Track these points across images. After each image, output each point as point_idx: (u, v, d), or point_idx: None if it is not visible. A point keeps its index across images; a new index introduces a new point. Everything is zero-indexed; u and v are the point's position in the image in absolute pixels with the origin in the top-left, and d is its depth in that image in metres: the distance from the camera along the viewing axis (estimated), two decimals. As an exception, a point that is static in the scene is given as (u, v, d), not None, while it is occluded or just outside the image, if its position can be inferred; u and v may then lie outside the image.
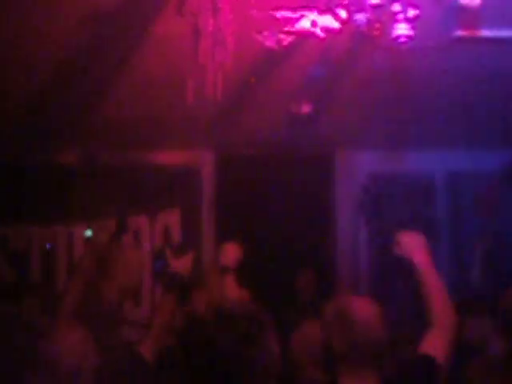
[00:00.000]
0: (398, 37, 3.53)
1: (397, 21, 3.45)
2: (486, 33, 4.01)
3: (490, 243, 6.46)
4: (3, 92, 5.01)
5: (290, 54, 4.16)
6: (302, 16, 3.11)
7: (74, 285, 3.60)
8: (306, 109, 5.30)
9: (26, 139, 5.99)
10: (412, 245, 3.09)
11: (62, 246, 6.57)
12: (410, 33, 3.52)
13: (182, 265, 3.76)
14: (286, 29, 3.11)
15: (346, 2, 3.15)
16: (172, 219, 6.68)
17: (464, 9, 3.74)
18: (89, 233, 3.85)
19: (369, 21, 3.33)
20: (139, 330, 6.14)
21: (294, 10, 3.09)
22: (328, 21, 3.02)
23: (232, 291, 3.98)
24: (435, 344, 2.92)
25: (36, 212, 6.45)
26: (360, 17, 3.23)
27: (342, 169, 6.88)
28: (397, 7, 3.38)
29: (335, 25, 3.03)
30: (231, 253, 3.97)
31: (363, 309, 2.88)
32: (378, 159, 6.76)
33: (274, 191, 6.55)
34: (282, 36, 2.98)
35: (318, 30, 3.19)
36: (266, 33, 3.00)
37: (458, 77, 4.91)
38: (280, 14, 3.08)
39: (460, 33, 4.04)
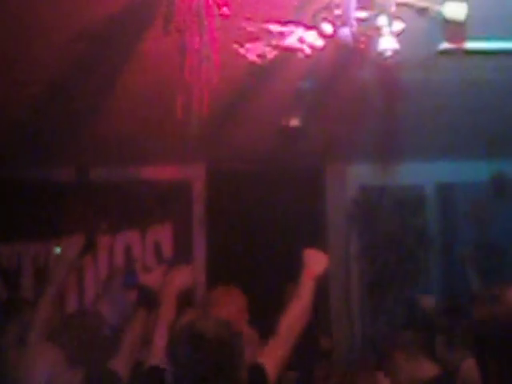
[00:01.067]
0: (384, 50, 3.55)
1: (382, 34, 3.48)
2: (471, 45, 4.04)
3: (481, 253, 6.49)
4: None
5: (278, 68, 4.19)
6: (291, 32, 3.13)
7: (45, 301, 3.59)
8: (295, 122, 5.32)
9: (18, 155, 5.99)
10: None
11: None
12: (396, 46, 3.55)
13: (152, 279, 3.79)
14: (272, 43, 3.13)
15: (330, 17, 3.17)
16: (163, 234, 6.68)
17: (449, 21, 3.77)
18: (58, 250, 3.84)
19: (354, 35, 3.36)
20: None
21: (283, 24, 3.11)
22: (313, 37, 3.04)
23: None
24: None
25: (27, 228, 6.45)
26: (345, 31, 3.25)
27: (332, 182, 6.90)
28: (382, 21, 3.40)
29: (319, 42, 3.05)
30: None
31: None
32: (369, 172, 6.78)
33: (264, 205, 6.56)
34: (267, 49, 2.99)
35: (304, 46, 3.21)
36: (248, 45, 3.01)
37: (444, 89, 4.94)
38: (269, 26, 3.10)
39: (446, 45, 4.07)
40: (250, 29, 2.95)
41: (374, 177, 6.78)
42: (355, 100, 5.04)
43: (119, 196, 6.52)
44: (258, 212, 6.56)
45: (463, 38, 3.88)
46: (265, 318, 4.65)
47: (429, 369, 3.39)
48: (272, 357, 3.22)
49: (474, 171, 6.81)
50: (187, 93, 3.25)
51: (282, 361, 3.27)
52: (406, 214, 6.94)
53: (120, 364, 3.41)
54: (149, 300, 3.58)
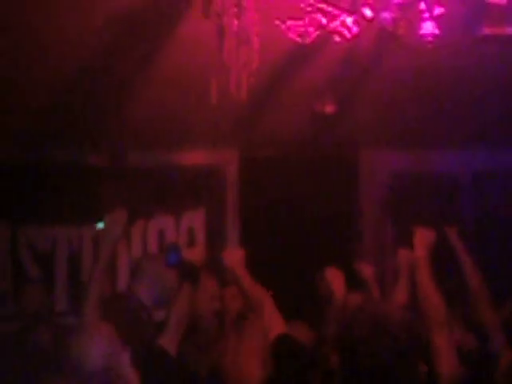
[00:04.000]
0: (424, 35, 3.51)
1: (422, 19, 3.44)
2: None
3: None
4: (30, 91, 5.04)
5: (315, 53, 4.16)
6: (336, 14, 3.10)
7: (97, 278, 3.59)
8: (329, 109, 5.29)
9: (54, 139, 6.03)
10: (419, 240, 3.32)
11: (88, 247, 6.59)
12: (436, 31, 3.51)
13: (194, 254, 3.85)
14: (322, 22, 3.09)
15: (371, 0, 3.14)
16: (197, 219, 6.68)
17: (490, 6, 3.71)
18: (101, 225, 3.83)
19: (394, 19, 3.32)
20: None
21: (331, 5, 3.08)
22: (351, 23, 3.01)
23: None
24: None
25: (62, 213, 6.49)
26: (385, 15, 3.22)
27: (365, 169, 6.84)
28: (422, 5, 3.37)
29: (355, 29, 3.03)
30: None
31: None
32: (402, 159, 6.72)
33: (297, 191, 6.52)
34: (310, 29, 2.96)
35: (345, 31, 3.19)
36: (290, 22, 2.98)
37: (483, 76, 4.87)
38: (320, 5, 3.06)
39: (486, 31, 4.01)
40: (301, 4, 2.90)
41: (407, 164, 6.71)
42: (392, 86, 4.99)
43: (153, 181, 6.52)
44: (290, 198, 6.53)
45: (505, 24, 3.82)
46: (295, 304, 4.67)
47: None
48: None
49: (509, 161, 6.71)
50: (223, 77, 3.23)
51: None
52: (440, 201, 6.87)
53: (168, 341, 3.44)
54: (193, 275, 3.61)
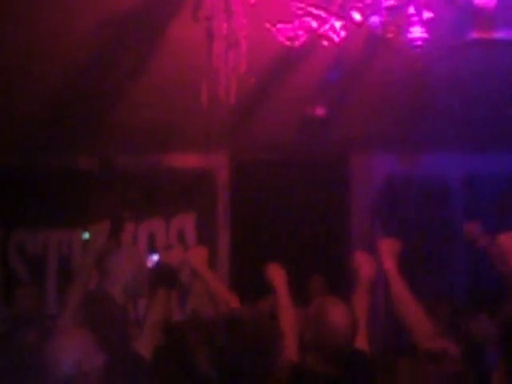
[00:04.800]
0: (413, 39, 3.52)
1: (412, 23, 3.45)
2: (501, 34, 3.98)
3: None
4: (20, 98, 5.04)
5: (305, 57, 4.16)
6: (326, 18, 3.10)
7: (76, 286, 3.61)
8: (321, 112, 5.29)
9: (42, 144, 6.02)
10: (385, 252, 3.24)
11: (79, 250, 6.58)
12: (425, 35, 3.52)
13: (172, 257, 3.85)
14: (312, 25, 3.09)
15: (360, 5, 3.14)
16: (187, 223, 6.69)
17: (479, 10, 3.72)
18: (86, 235, 3.86)
19: (383, 23, 3.33)
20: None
21: (320, 9, 3.08)
22: (340, 27, 3.02)
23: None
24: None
25: (53, 216, 6.48)
26: (374, 19, 3.22)
27: (358, 172, 6.86)
28: (411, 10, 3.37)
29: (343, 33, 3.04)
30: None
31: (337, 312, 3.08)
32: (394, 162, 6.74)
33: (289, 195, 6.54)
34: (299, 32, 2.96)
35: (334, 35, 3.19)
36: (280, 25, 2.98)
37: (473, 79, 4.89)
38: (311, 9, 3.06)
39: (475, 35, 4.02)
40: (291, 8, 2.90)
41: (400, 167, 6.73)
42: (382, 90, 5.00)
43: (143, 184, 6.53)
44: (283, 202, 6.55)
45: (493, 28, 3.83)
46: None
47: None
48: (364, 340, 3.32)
49: (501, 164, 6.74)
50: (213, 81, 3.24)
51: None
52: (431, 205, 6.89)
53: (143, 345, 3.42)
54: (169, 279, 3.60)
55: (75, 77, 4.69)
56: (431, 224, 6.86)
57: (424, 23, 3.49)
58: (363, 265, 3.50)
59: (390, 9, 3.27)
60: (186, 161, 6.63)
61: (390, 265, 3.29)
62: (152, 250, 6.58)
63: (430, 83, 4.90)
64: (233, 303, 3.59)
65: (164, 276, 3.60)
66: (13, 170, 6.39)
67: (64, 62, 4.44)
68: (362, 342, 3.36)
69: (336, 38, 3.08)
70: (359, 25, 3.33)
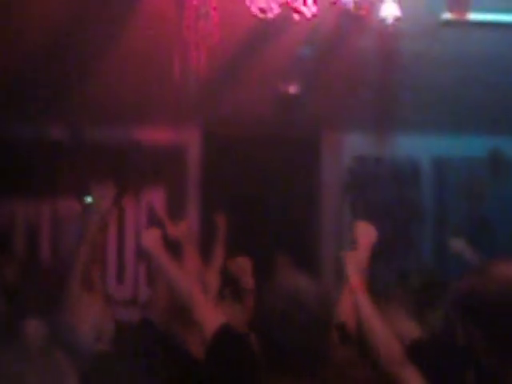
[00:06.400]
0: (386, 17, 3.52)
1: (384, 1, 3.45)
2: (474, 16, 3.99)
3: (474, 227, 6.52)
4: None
5: (278, 32, 4.14)
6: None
7: (83, 251, 3.59)
8: (292, 89, 5.28)
9: (11, 111, 5.95)
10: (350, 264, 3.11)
11: (47, 221, 6.55)
12: (398, 14, 3.52)
13: (178, 230, 3.87)
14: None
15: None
16: (157, 197, 6.66)
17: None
18: (89, 199, 3.83)
19: (356, 1, 3.33)
20: (123, 307, 6.19)
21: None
22: (312, 2, 3.01)
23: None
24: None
25: (21, 187, 6.42)
26: (347, -4, 3.22)
27: (328, 151, 6.87)
28: (385, -13, 3.37)
29: (314, 9, 3.02)
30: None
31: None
32: (365, 142, 6.75)
33: (259, 171, 6.53)
34: (272, 5, 2.94)
35: (306, 10, 3.18)
36: (253, -4, 2.95)
37: (445, 61, 4.90)
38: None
39: (448, 16, 4.03)
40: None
41: (370, 147, 6.74)
42: (354, 68, 4.99)
43: (113, 158, 6.47)
44: (252, 178, 6.54)
45: (466, 9, 3.83)
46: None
47: (412, 330, 3.40)
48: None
49: (470, 147, 6.78)
50: (185, 52, 3.21)
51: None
52: (400, 186, 6.93)
53: (154, 315, 3.46)
54: (175, 251, 3.62)
55: (47, 47, 4.64)
56: (400, 204, 6.90)
57: (397, 2, 3.49)
58: (363, 234, 3.46)
59: (362, -14, 3.27)
60: (157, 135, 6.59)
61: (355, 280, 3.09)
62: (121, 224, 6.57)
63: (402, 63, 4.91)
64: (196, 295, 3.17)
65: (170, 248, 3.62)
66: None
67: (37, 31, 4.39)
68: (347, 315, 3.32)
69: (308, 13, 3.07)
70: (333, 2, 3.33)
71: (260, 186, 6.56)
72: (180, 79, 3.74)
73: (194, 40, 2.90)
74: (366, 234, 3.53)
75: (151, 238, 3.48)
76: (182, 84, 4.01)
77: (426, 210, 6.96)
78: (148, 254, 3.47)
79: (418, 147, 6.88)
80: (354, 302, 2.99)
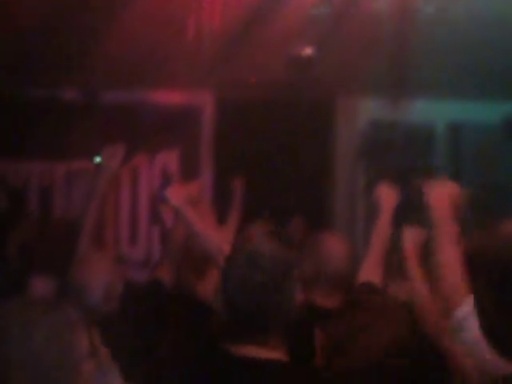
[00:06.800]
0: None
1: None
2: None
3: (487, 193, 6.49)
4: (2, 27, 4.96)
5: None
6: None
7: (92, 210, 3.62)
8: (307, 51, 5.24)
9: (27, 75, 5.95)
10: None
11: (61, 182, 6.58)
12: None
13: (191, 191, 3.90)
14: None
15: None
16: (171, 159, 6.67)
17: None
18: (98, 159, 3.85)
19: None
20: (136, 268, 6.24)
21: None
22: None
23: None
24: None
25: (35, 148, 6.45)
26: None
27: (342, 115, 6.84)
28: None
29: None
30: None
31: (333, 244, 3.16)
32: (380, 106, 6.71)
33: (272, 134, 6.52)
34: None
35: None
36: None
37: (462, 24, 4.84)
38: None
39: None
40: None
41: (384, 112, 6.70)
42: (369, 31, 4.94)
43: (127, 120, 6.48)
44: (265, 141, 6.53)
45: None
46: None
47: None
48: (375, 272, 3.43)
49: (486, 112, 6.73)
50: (199, 14, 3.20)
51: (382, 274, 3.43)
52: (415, 152, 6.90)
53: (165, 272, 3.50)
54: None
55: (61, 9, 4.62)
56: (414, 170, 6.88)
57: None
58: (385, 195, 3.50)
59: None
60: (171, 97, 6.58)
61: (411, 252, 3.33)
62: (135, 186, 6.59)
63: (419, 26, 4.85)
64: (224, 246, 3.22)
65: None
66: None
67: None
68: (372, 275, 3.41)
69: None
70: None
71: (273, 149, 6.55)
72: (194, 40, 3.73)
73: (209, 1, 2.89)
74: (388, 196, 3.59)
75: (179, 196, 3.60)
76: (196, 45, 3.99)
77: (440, 175, 6.93)
78: (176, 210, 3.57)
79: (433, 112, 6.84)
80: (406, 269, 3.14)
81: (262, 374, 2.24)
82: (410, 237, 3.40)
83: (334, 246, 3.30)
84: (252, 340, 2.28)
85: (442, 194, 3.04)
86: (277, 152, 6.58)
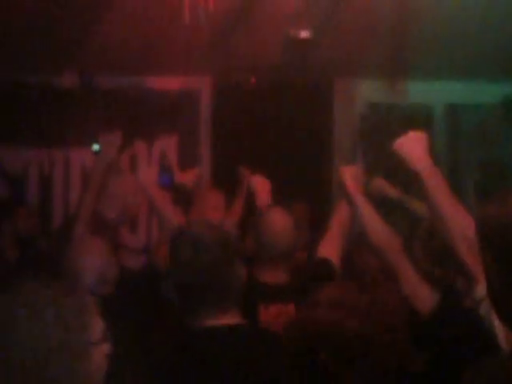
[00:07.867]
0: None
1: None
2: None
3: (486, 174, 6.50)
4: (1, 14, 4.94)
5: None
6: None
7: (88, 197, 3.63)
8: (305, 34, 5.22)
9: (25, 62, 5.93)
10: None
11: (59, 169, 6.57)
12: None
13: (187, 178, 3.93)
14: None
15: None
16: (169, 145, 6.66)
17: None
18: (96, 147, 3.86)
19: None
20: (135, 255, 6.24)
21: None
22: None
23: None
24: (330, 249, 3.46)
25: (33, 136, 6.43)
26: None
27: (340, 97, 6.82)
28: None
29: None
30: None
31: (273, 219, 3.32)
32: (378, 89, 6.69)
33: (270, 117, 6.51)
34: None
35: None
36: None
37: (459, 5, 4.83)
38: None
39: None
40: None
41: (383, 94, 6.68)
42: (368, 13, 4.93)
43: (125, 105, 6.46)
44: (264, 124, 6.52)
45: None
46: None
47: None
48: (333, 250, 3.48)
49: (484, 93, 6.72)
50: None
51: (343, 252, 3.51)
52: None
53: (160, 258, 3.55)
54: (185, 198, 3.70)
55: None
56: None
57: None
58: (348, 178, 3.49)
59: None
60: (168, 82, 6.56)
61: (352, 187, 3.29)
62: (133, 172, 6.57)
63: (416, 8, 4.84)
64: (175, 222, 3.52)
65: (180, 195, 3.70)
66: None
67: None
68: (329, 252, 3.44)
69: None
70: None
71: (271, 132, 6.54)
72: (190, 24, 3.70)
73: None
74: (350, 177, 3.58)
75: (147, 178, 3.79)
76: (193, 29, 3.97)
77: (438, 156, 6.93)
78: (143, 191, 3.70)
79: (431, 94, 6.82)
80: (352, 207, 3.14)
81: (225, 339, 2.38)
82: (348, 174, 3.37)
83: (274, 222, 3.35)
84: (212, 315, 2.40)
85: (412, 144, 3.03)
86: (275, 135, 6.57)
